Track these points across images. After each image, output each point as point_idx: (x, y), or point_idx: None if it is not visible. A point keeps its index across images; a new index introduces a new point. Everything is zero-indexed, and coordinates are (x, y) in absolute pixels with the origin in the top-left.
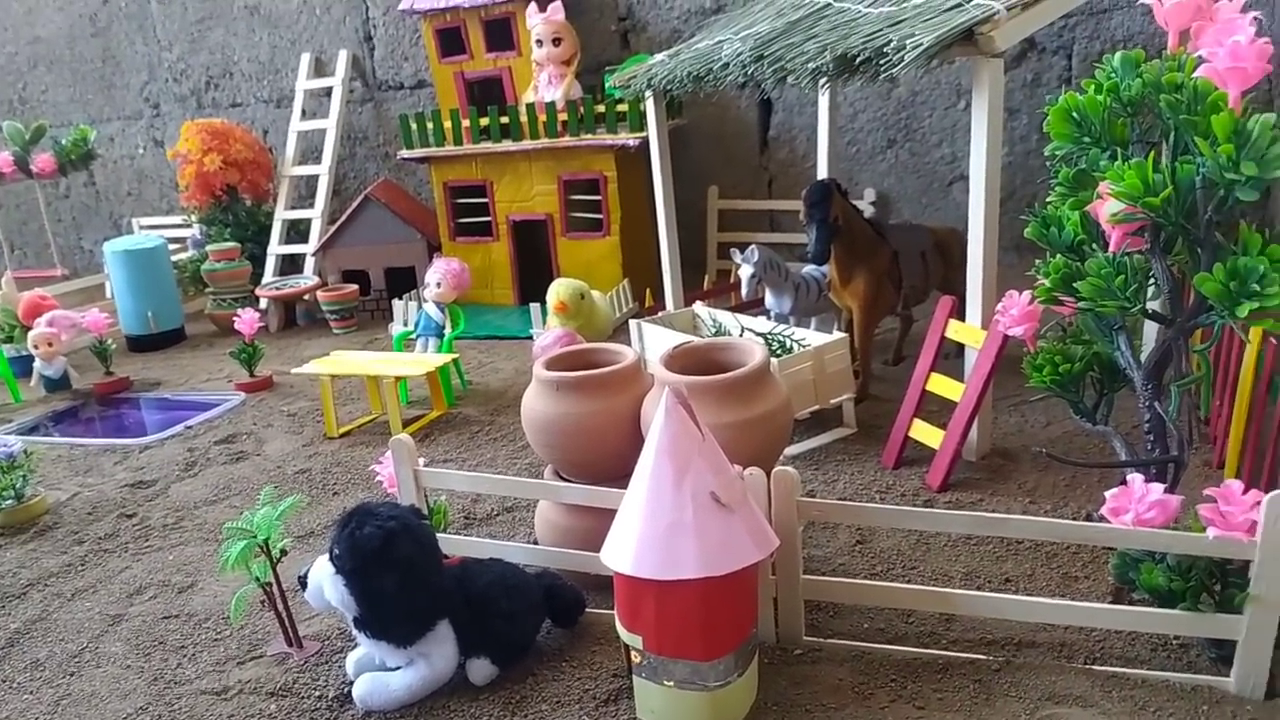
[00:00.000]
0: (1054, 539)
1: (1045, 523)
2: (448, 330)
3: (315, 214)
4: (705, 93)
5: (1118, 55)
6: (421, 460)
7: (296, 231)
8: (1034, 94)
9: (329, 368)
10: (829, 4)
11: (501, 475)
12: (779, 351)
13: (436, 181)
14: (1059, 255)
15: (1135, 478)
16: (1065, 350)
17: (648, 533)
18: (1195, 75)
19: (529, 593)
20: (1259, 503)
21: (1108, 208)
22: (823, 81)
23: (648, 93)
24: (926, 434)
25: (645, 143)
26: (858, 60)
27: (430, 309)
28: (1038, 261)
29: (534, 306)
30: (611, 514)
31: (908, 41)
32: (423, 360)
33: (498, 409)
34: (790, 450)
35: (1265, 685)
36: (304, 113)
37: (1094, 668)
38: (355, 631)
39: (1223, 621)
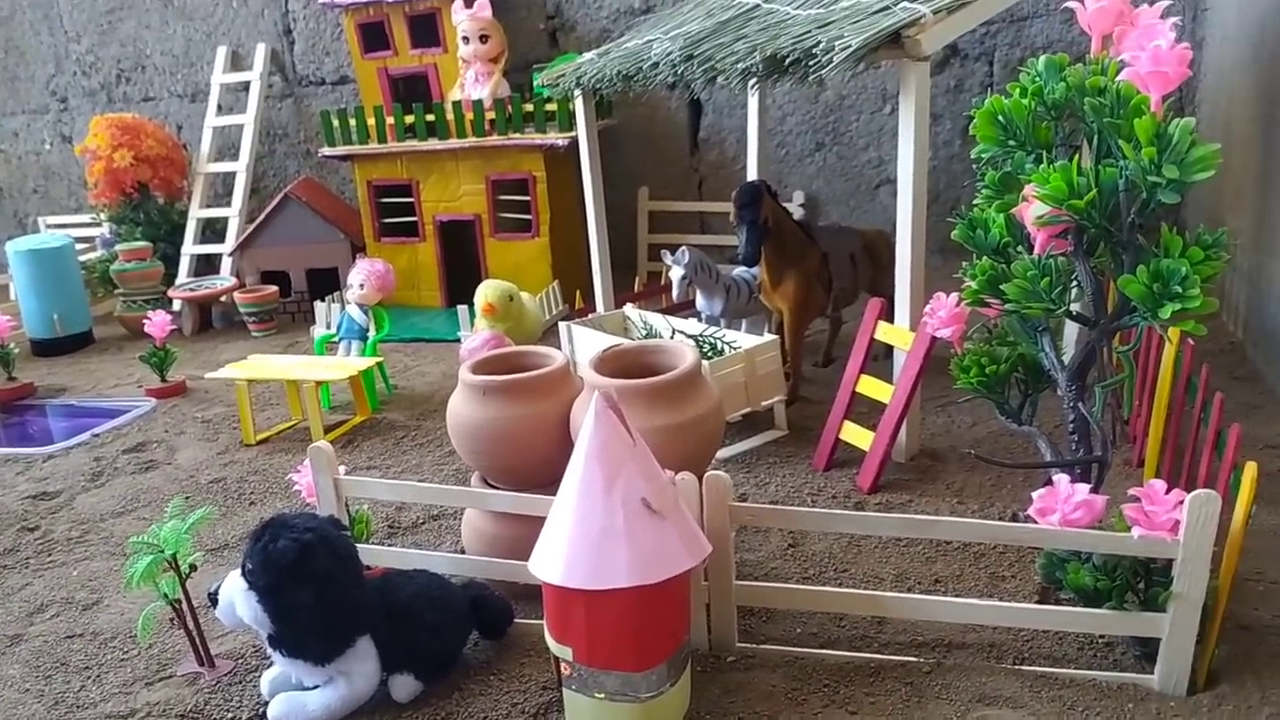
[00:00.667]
0: (982, 540)
1: (974, 524)
2: (371, 333)
3: (232, 213)
4: (635, 93)
5: (1042, 59)
6: (342, 468)
7: (213, 231)
8: (957, 100)
9: (246, 372)
10: (758, 4)
11: (426, 483)
12: (710, 354)
13: (360, 180)
14: (985, 258)
15: (1061, 478)
16: (991, 352)
17: (577, 541)
18: (1118, 79)
19: (454, 604)
20: (1181, 502)
21: (1033, 210)
22: (752, 82)
23: (577, 92)
24: (857, 436)
25: (574, 142)
26: (787, 61)
27: (353, 311)
28: (964, 264)
29: (461, 309)
30: (541, 521)
31: (836, 43)
32: (345, 364)
33: (424, 413)
34: (722, 453)
35: (1188, 682)
36: (220, 108)
37: (1023, 668)
38: (270, 650)
39: (1147, 620)
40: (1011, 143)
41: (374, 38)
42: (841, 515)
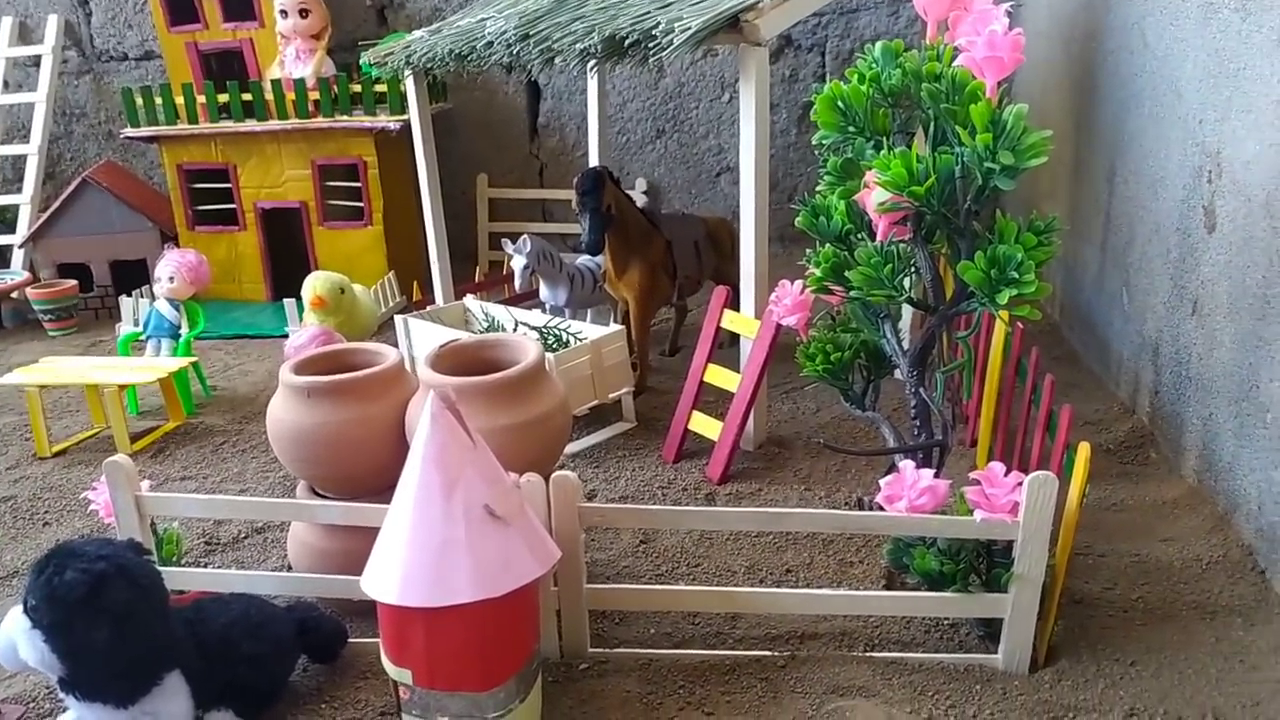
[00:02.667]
0: (833, 530)
1: (823, 514)
2: (184, 330)
3: (23, 200)
4: (469, 74)
5: (878, 45)
6: (146, 483)
7: (2, 220)
8: (791, 89)
9: (38, 377)
10: None
11: (245, 496)
12: (555, 346)
13: (169, 164)
14: (828, 245)
15: (906, 465)
16: (835, 339)
17: (415, 555)
18: (955, 65)
19: (278, 630)
20: (1020, 484)
21: (875, 196)
22: (591, 64)
23: (407, 72)
24: (705, 426)
25: (407, 126)
26: (626, 43)
27: (162, 306)
28: (808, 251)
29: (288, 302)
30: (375, 532)
31: (675, 25)
32: (154, 365)
33: (246, 416)
34: (570, 448)
35: (1029, 659)
36: (6, 85)
37: (873, 655)
38: (63, 694)
39: (990, 601)
40: (851, 129)
41: (181, 9)
42: (693, 512)
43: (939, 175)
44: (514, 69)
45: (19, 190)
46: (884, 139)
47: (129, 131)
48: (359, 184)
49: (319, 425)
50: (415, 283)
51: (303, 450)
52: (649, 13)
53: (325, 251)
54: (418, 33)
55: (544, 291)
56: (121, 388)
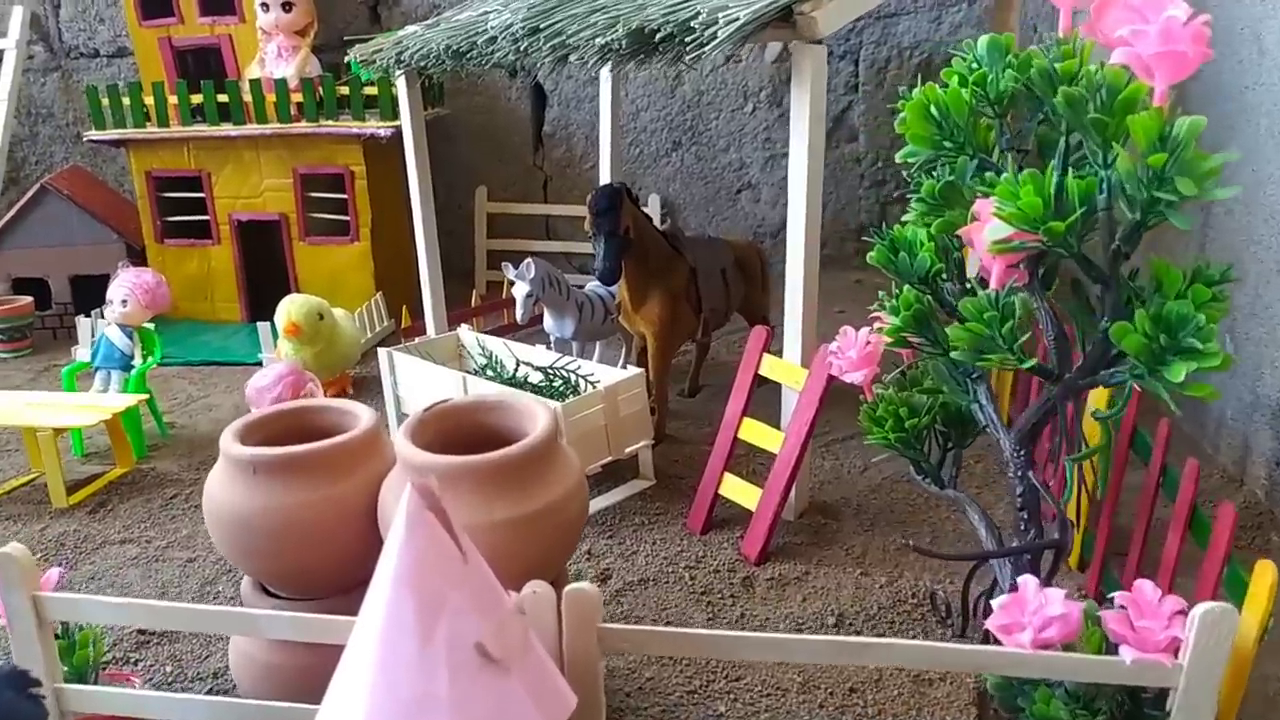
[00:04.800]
0: (934, 666)
1: (921, 648)
2: (137, 361)
3: None
4: (468, 74)
5: (982, 40)
6: (54, 572)
7: None
8: None
9: None
10: None
11: (190, 566)
12: (563, 391)
13: (137, 171)
14: (909, 288)
15: (1027, 582)
16: (909, 400)
17: (379, 715)
18: (1111, 62)
19: None
20: (1182, 613)
21: (990, 232)
22: (612, 63)
23: (398, 72)
24: (740, 492)
25: (398, 133)
26: (657, 37)
27: (113, 334)
28: (881, 295)
29: (262, 327)
30: (339, 646)
31: (720, 16)
32: (98, 403)
33: (205, 463)
34: None
35: None
36: None
37: None
38: None
39: None
40: (948, 144)
41: (155, 2)
42: (749, 639)
43: (1082, 207)
44: (520, 69)
45: None
46: (991, 157)
47: (93, 134)
48: (345, 195)
49: (266, 510)
50: (405, 308)
51: (246, 541)
52: (685, 2)
53: (307, 269)
54: (411, 27)
55: (549, 322)
56: (56, 432)
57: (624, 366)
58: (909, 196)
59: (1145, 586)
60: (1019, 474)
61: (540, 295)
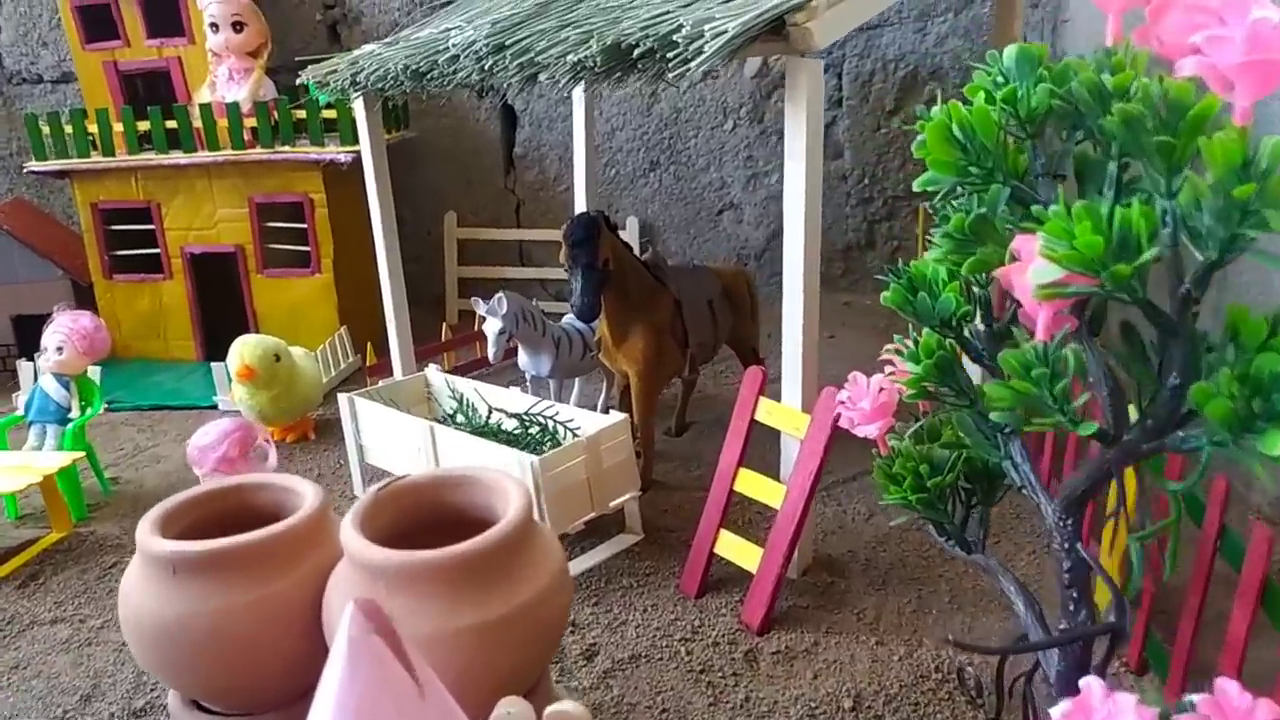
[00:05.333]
0: None
1: None
2: (75, 414)
3: None
4: (429, 95)
5: (1010, 51)
6: None
7: None
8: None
9: None
10: None
11: (122, 653)
12: (541, 440)
13: (82, 203)
14: (928, 332)
15: (1091, 687)
16: (929, 455)
17: None
18: (1179, 74)
19: None
20: None
21: (1036, 275)
22: (586, 81)
23: (355, 94)
24: (738, 551)
25: (360, 157)
26: (636, 52)
27: (48, 384)
28: (897, 339)
29: (217, 368)
30: None
31: (706, 28)
32: (30, 463)
33: None
34: None
35: None
36: None
37: None
38: None
39: None
40: (975, 170)
41: (98, 23)
42: None
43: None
44: (488, 90)
45: None
46: (1025, 184)
47: (34, 165)
48: (304, 225)
49: (190, 617)
50: (370, 344)
51: (168, 653)
52: (666, 14)
53: (266, 303)
54: (368, 46)
55: (524, 359)
56: None
57: (606, 408)
58: (932, 231)
59: (1229, 689)
60: (1066, 546)
61: (514, 331)
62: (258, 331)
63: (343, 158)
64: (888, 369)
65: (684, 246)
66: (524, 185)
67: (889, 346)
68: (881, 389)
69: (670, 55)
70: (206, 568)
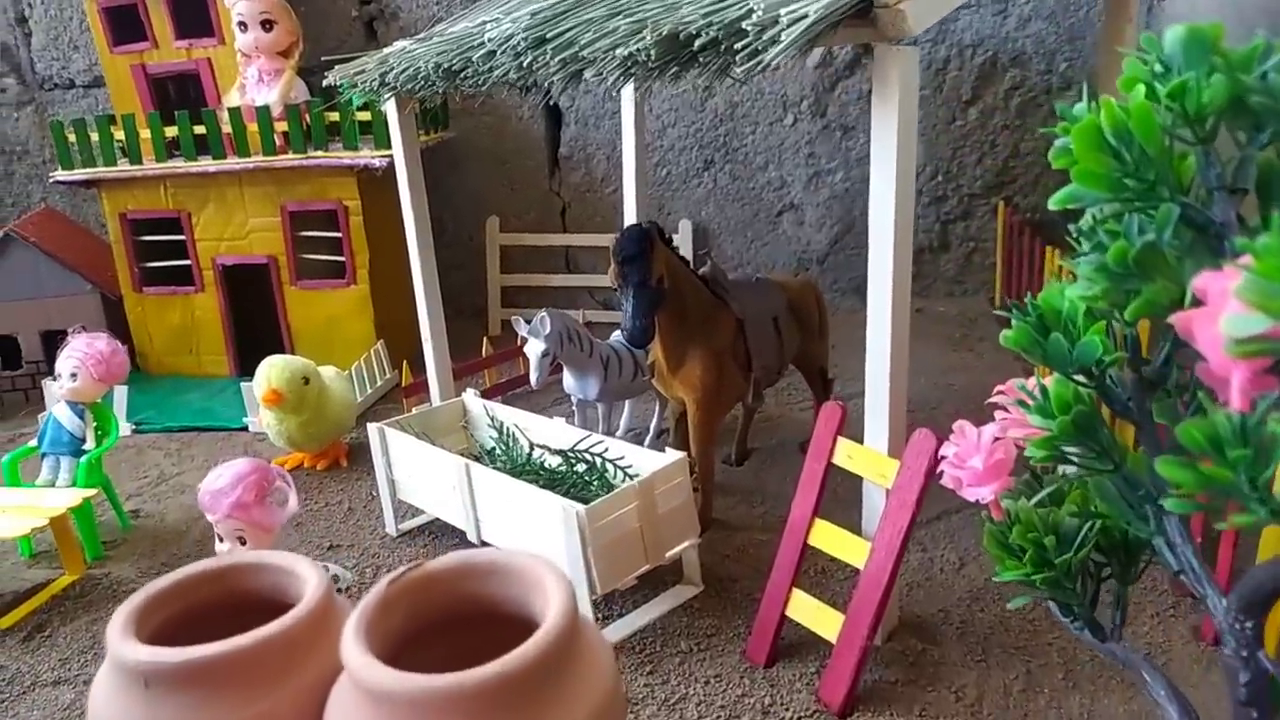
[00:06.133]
0: None
1: None
2: (89, 444)
3: None
4: (465, 95)
5: (1171, 33)
6: None
7: None
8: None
9: None
10: None
11: None
12: (590, 484)
13: (110, 213)
14: (1060, 380)
15: None
16: (1054, 522)
17: None
18: None
19: None
20: None
21: (1232, 325)
22: (638, 77)
23: (386, 96)
24: (813, 616)
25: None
26: (698, 43)
27: (61, 413)
28: (1020, 385)
29: (246, 388)
30: None
31: (783, 13)
32: (39, 503)
33: (172, 563)
34: (609, 637)
35: None
36: None
37: None
38: None
39: None
40: (1130, 182)
41: (125, 25)
42: None
43: None
44: (528, 89)
45: None
46: (1191, 201)
47: (60, 175)
48: (339, 234)
49: None
50: (405, 364)
51: None
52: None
53: (300, 316)
54: (399, 43)
55: (569, 381)
56: None
57: (659, 433)
58: (1075, 260)
59: None
60: (1244, 654)
61: (558, 353)
62: (292, 347)
63: (377, 162)
64: (998, 414)
65: (740, 251)
66: (569, 187)
67: (999, 390)
68: (996, 440)
69: (738, 46)
70: (185, 681)
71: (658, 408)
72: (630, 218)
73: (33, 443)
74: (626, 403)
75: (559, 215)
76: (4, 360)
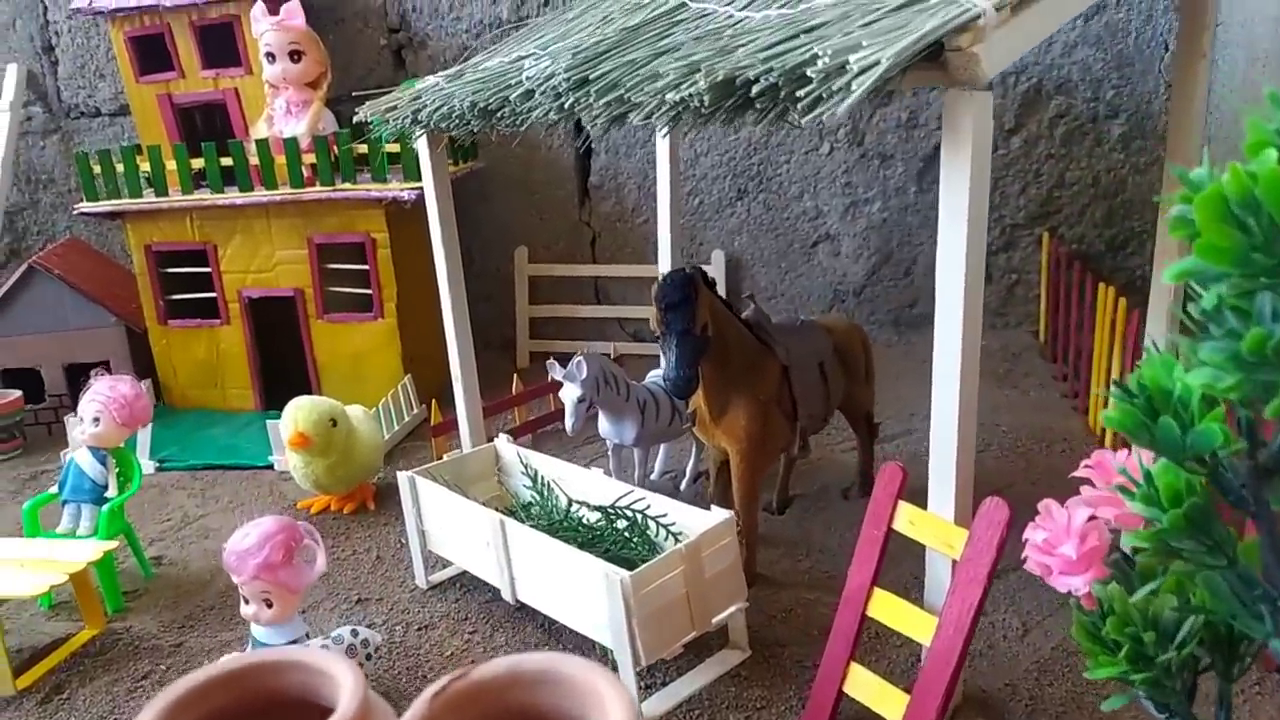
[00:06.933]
0: None
1: None
2: (112, 492)
3: None
4: (501, 134)
5: None
6: None
7: None
8: (910, 136)
9: None
10: (684, 3)
11: None
12: (634, 545)
13: (135, 244)
14: (1168, 465)
15: None
16: (1153, 612)
17: None
18: None
19: None
20: None
21: None
22: (689, 121)
23: (418, 133)
24: (874, 694)
25: (424, 195)
26: (756, 89)
27: (83, 459)
28: (1121, 468)
29: (272, 426)
30: None
31: (852, 59)
32: (57, 557)
33: (191, 617)
34: (652, 706)
35: None
36: None
37: None
38: None
39: None
40: (1259, 257)
41: (152, 55)
42: None
43: None
44: (564, 125)
45: None
46: None
47: (84, 206)
48: (366, 266)
49: None
50: (434, 402)
51: None
52: (790, 41)
53: (326, 350)
54: (431, 79)
55: (605, 425)
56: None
57: (694, 480)
58: (1201, 346)
59: None
60: None
61: (594, 398)
62: (318, 380)
63: (406, 195)
64: (1085, 489)
65: (774, 282)
66: (599, 216)
67: (1087, 465)
68: (1091, 519)
69: (801, 93)
70: None
71: (694, 449)
72: (664, 249)
73: (53, 488)
74: (661, 447)
75: (589, 245)
76: (26, 394)
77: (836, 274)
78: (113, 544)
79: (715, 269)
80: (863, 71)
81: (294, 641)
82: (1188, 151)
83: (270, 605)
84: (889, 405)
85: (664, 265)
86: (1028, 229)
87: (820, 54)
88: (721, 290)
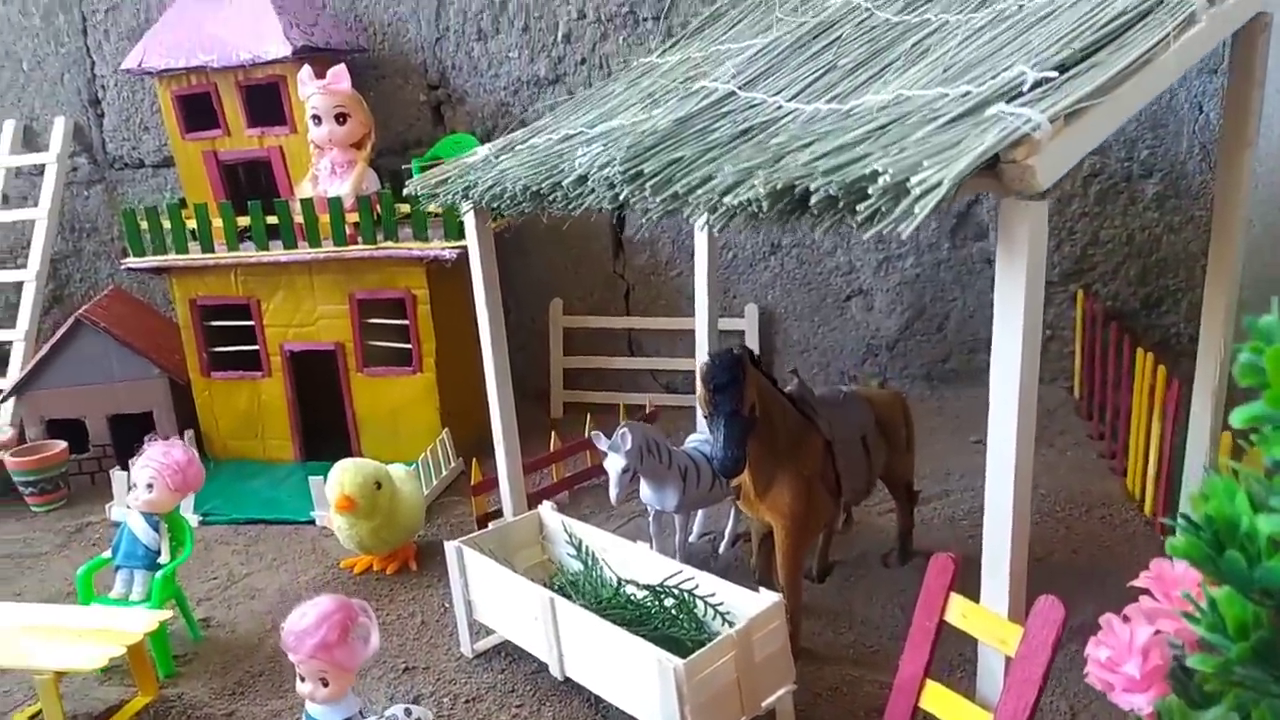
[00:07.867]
0: None
1: None
2: (164, 557)
3: (16, 336)
4: (552, 215)
5: None
6: None
7: None
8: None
9: None
10: (733, 93)
11: None
12: (681, 623)
13: (180, 298)
14: (1232, 594)
15: None
16: None
17: None
18: None
19: None
20: None
21: None
22: (745, 222)
23: (466, 208)
24: None
25: (465, 253)
26: (814, 199)
27: (135, 524)
28: (1184, 593)
29: (315, 482)
30: None
31: (914, 180)
32: (111, 627)
33: (241, 684)
34: None
35: None
36: (6, 199)
37: None
38: None
39: None
40: None
41: (199, 113)
42: None
43: None
44: (621, 213)
45: (12, 325)
46: None
47: (130, 262)
48: (406, 322)
49: None
50: (475, 461)
51: None
52: (849, 151)
53: (365, 403)
54: (481, 151)
55: (647, 492)
56: (57, 676)
57: (733, 543)
58: (1275, 494)
59: None
60: None
61: (638, 468)
62: (357, 432)
63: (447, 254)
64: (1144, 599)
65: (807, 336)
66: (633, 269)
67: (1145, 574)
68: (1156, 634)
69: (861, 206)
70: None
71: (733, 511)
72: (701, 304)
73: (106, 553)
74: (698, 513)
75: (623, 298)
76: (70, 444)
77: (869, 329)
78: (167, 613)
79: (748, 322)
80: (925, 194)
81: (349, 719)
82: (1232, 236)
83: (326, 684)
84: (925, 463)
85: (700, 318)
86: (1062, 286)
87: (881, 171)
88: (754, 342)
